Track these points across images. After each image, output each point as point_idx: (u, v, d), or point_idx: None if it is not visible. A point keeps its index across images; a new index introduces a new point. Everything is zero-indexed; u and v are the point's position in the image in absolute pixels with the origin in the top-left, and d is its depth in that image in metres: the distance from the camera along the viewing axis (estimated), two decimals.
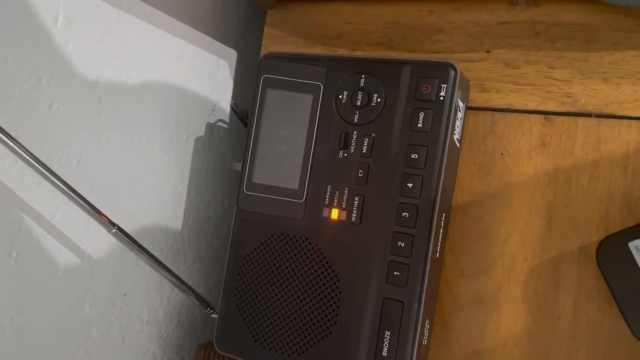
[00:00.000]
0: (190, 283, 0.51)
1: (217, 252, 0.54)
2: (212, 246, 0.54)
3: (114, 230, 0.38)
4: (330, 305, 0.39)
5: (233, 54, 0.54)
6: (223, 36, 0.53)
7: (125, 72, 0.43)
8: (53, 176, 0.35)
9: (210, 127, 0.53)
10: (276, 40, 0.50)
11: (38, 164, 0.35)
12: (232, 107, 0.51)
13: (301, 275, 0.40)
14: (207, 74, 0.51)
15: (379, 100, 0.39)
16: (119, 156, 0.43)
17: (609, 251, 0.36)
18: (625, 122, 0.38)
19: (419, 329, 0.37)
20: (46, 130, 0.38)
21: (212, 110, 0.53)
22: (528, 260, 0.40)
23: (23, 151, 0.34)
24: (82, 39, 0.39)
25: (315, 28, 0.49)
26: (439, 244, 0.39)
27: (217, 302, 0.44)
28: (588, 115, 0.39)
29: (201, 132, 0.52)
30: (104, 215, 0.37)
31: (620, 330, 0.37)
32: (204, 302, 0.46)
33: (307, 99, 0.41)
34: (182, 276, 0.49)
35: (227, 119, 0.54)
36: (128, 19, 0.43)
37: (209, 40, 0.51)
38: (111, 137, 0.42)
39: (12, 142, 0.33)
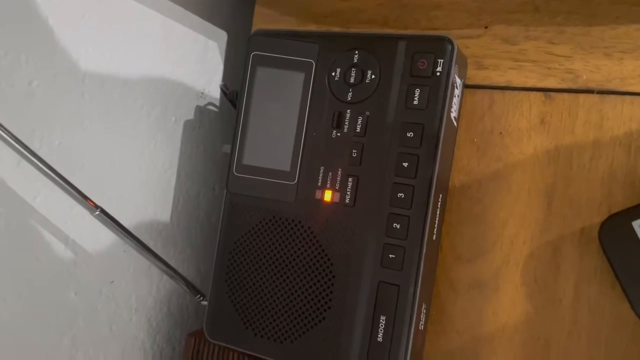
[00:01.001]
0: (180, 270, 0.49)
1: (208, 239, 0.53)
2: (202, 232, 0.53)
3: (97, 213, 0.36)
4: (324, 290, 0.38)
5: (223, 35, 0.52)
6: (212, 16, 0.51)
7: (110, 51, 0.41)
8: (34, 157, 0.34)
9: (200, 110, 0.51)
10: (267, 20, 0.49)
11: (17, 143, 0.33)
12: (222, 89, 0.49)
13: (293, 259, 0.39)
14: (196, 55, 0.50)
15: (373, 77, 0.38)
16: (104, 138, 0.42)
17: (612, 231, 0.34)
18: (628, 98, 0.37)
19: (415, 314, 0.36)
20: (26, 110, 0.36)
21: (202, 93, 0.51)
22: (527, 243, 0.39)
23: (1, 130, 0.32)
24: (63, 14, 0.37)
25: (307, 6, 0.47)
26: (436, 225, 0.38)
27: (208, 289, 0.43)
28: (590, 91, 0.38)
29: (190, 115, 0.50)
30: (87, 198, 0.36)
31: (624, 313, 0.36)
32: (193, 289, 0.45)
33: (299, 76, 0.40)
34: (172, 263, 0.47)
35: (217, 102, 0.53)
36: None
37: (197, 20, 0.49)
38: (95, 118, 0.41)
39: None
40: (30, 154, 0.33)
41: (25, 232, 0.37)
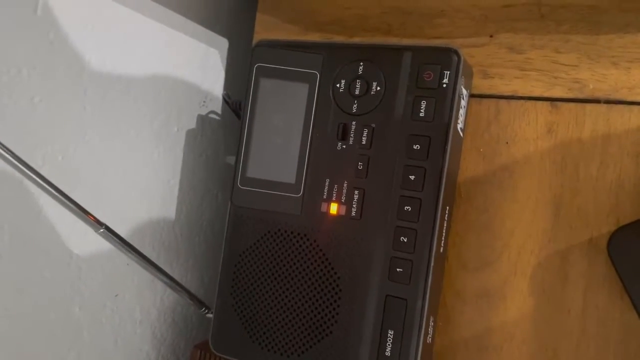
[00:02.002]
0: (184, 281, 0.49)
1: (212, 249, 0.53)
2: (206, 242, 0.52)
3: (102, 230, 0.36)
4: (331, 304, 0.38)
5: (224, 43, 0.52)
6: (214, 24, 0.50)
7: (111, 62, 0.41)
8: (35, 175, 0.33)
9: (202, 119, 0.51)
10: (269, 27, 0.48)
11: (20, 163, 0.33)
12: (224, 98, 0.49)
13: (299, 273, 0.39)
14: (197, 64, 0.49)
15: (378, 88, 0.37)
16: (106, 151, 0.41)
17: (621, 244, 0.34)
18: (635, 108, 0.37)
19: (423, 327, 0.36)
20: (28, 125, 0.36)
21: (204, 102, 0.51)
22: (535, 252, 0.39)
23: (3, 150, 0.32)
24: (64, 27, 0.37)
25: (309, 14, 0.46)
26: (443, 237, 0.37)
27: (213, 301, 0.42)
28: (597, 101, 0.38)
29: (192, 124, 0.50)
30: (91, 215, 0.35)
31: (632, 324, 0.36)
32: (198, 302, 0.45)
33: (303, 88, 0.39)
34: (175, 274, 0.47)
35: (219, 111, 0.52)
36: (113, 5, 0.40)
37: (199, 28, 0.49)
38: (97, 130, 0.40)
39: None
40: (33, 173, 0.32)
41: (30, 248, 0.37)
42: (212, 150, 0.52)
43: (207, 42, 0.50)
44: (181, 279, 0.49)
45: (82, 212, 0.34)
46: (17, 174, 0.33)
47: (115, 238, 0.37)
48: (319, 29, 0.46)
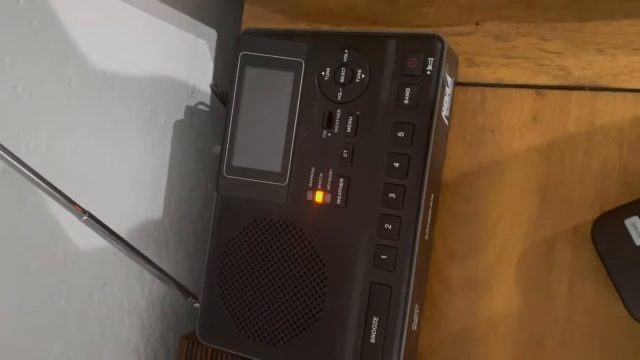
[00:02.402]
0: (173, 272, 0.49)
1: (201, 240, 0.53)
2: (195, 233, 0.52)
3: (85, 218, 0.36)
4: (316, 292, 0.38)
5: (213, 34, 0.52)
6: (202, 14, 0.50)
7: (97, 52, 0.41)
8: (19, 163, 0.33)
9: (191, 110, 0.51)
10: (257, 18, 0.48)
11: (2, 150, 0.33)
12: (212, 89, 0.49)
13: (285, 261, 0.39)
14: (185, 55, 0.49)
15: (363, 76, 0.37)
16: (92, 141, 0.41)
17: (605, 229, 0.34)
18: (620, 94, 0.37)
19: (407, 314, 0.36)
20: (11, 114, 0.35)
21: (192, 93, 0.50)
22: (520, 241, 0.39)
23: None
24: (47, 17, 0.37)
25: (297, 3, 0.46)
26: (428, 225, 0.37)
27: (201, 291, 0.42)
28: (582, 88, 0.38)
29: (181, 115, 0.49)
30: (75, 203, 0.35)
31: (617, 312, 0.36)
32: (185, 291, 0.45)
33: (288, 76, 0.39)
34: (164, 265, 0.47)
35: (208, 102, 0.52)
36: None
37: (186, 18, 0.49)
38: (83, 121, 0.40)
39: None
40: (15, 160, 0.32)
41: (14, 238, 0.36)
42: (201, 142, 0.52)
43: (195, 33, 0.50)
44: (170, 269, 0.49)
45: (65, 200, 0.34)
46: (0, 163, 0.33)
47: (99, 226, 0.37)
48: (307, 18, 0.46)
